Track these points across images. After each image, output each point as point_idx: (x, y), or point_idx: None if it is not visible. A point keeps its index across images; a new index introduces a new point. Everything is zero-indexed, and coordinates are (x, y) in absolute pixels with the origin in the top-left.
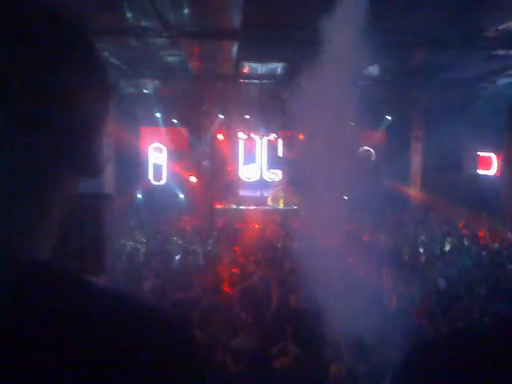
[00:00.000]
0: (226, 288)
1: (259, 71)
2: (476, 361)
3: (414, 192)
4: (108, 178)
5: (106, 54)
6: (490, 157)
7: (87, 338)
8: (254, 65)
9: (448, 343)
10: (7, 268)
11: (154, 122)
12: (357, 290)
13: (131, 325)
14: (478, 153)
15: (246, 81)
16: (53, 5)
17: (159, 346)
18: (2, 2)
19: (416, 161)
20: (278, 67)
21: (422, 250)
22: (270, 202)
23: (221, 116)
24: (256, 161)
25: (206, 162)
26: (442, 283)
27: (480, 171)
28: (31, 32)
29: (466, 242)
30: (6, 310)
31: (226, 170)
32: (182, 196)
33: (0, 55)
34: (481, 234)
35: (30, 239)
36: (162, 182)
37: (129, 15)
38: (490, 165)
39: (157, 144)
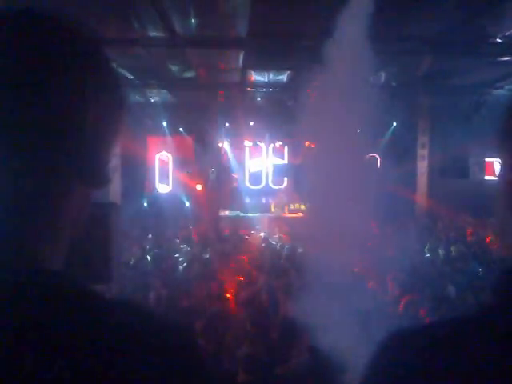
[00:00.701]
0: (231, 296)
1: (265, 79)
2: (452, 350)
3: (420, 198)
4: (114, 187)
5: (115, 67)
6: (497, 163)
7: (95, 347)
8: (259, 73)
9: (424, 333)
10: (20, 276)
11: (160, 131)
12: (362, 297)
13: (138, 333)
14: (485, 159)
15: (252, 89)
16: (66, 17)
17: (165, 353)
18: (18, 16)
19: (422, 167)
20: (284, 75)
21: (428, 256)
22: (272, 209)
23: (227, 124)
24: (262, 168)
25: (212, 170)
26: (451, 290)
27: (487, 177)
28: (45, 44)
29: (473, 249)
30: (18, 316)
31: (231, 177)
32: (187, 204)
33: (14, 66)
34: (488, 239)
35: (42, 248)
36: (168, 190)
37: (136, 25)
38: (497, 171)
39: (163, 152)
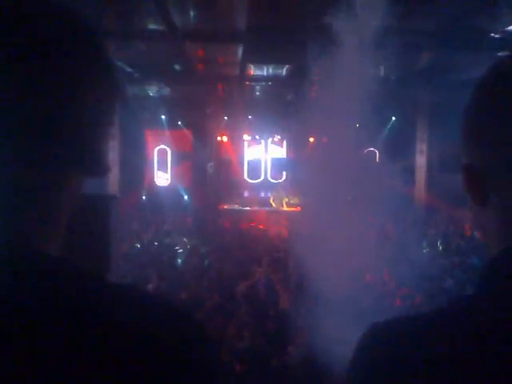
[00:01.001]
0: (229, 288)
1: (264, 73)
2: (434, 341)
3: (419, 193)
4: (113, 180)
5: (111, 56)
6: None
7: (102, 330)
8: (258, 67)
9: (407, 324)
10: (20, 261)
11: (159, 125)
12: (360, 289)
13: (146, 316)
14: None
15: (251, 83)
16: (62, 5)
17: (175, 337)
18: (14, 3)
19: (421, 161)
20: (283, 69)
21: (427, 251)
22: (272, 203)
23: (225, 118)
24: (260, 162)
25: (210, 165)
26: (449, 284)
27: None
28: (40, 32)
29: (471, 243)
30: (19, 302)
31: (230, 171)
32: (186, 197)
33: (9, 57)
34: None
35: (40, 234)
36: (167, 183)
37: (135, 18)
38: None
39: (162, 146)
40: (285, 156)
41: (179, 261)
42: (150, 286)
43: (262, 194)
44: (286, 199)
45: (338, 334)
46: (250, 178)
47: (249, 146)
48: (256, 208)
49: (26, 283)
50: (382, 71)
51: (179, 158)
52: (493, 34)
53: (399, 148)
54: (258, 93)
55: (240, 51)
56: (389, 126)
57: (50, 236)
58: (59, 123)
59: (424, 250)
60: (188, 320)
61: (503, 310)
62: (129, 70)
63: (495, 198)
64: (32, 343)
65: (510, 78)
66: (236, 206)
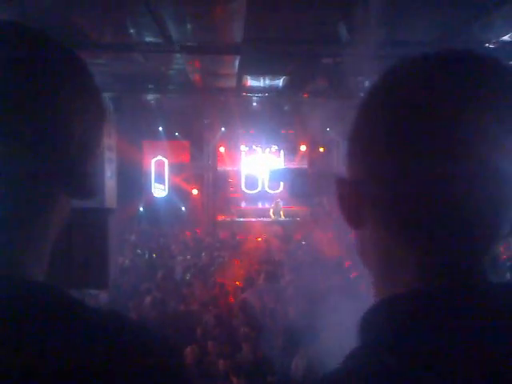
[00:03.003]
0: (227, 301)
1: (261, 84)
2: None
3: None
4: (110, 192)
5: (108, 68)
6: None
7: (69, 360)
8: (255, 78)
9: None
10: (4, 289)
11: (156, 136)
12: (357, 299)
13: (113, 348)
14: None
15: (248, 94)
16: (47, 32)
17: (149, 374)
18: (9, 27)
19: None
20: (280, 80)
21: None
22: (271, 215)
23: (223, 129)
24: (258, 173)
25: (208, 175)
26: None
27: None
28: (26, 58)
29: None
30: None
31: (227, 182)
32: (183, 209)
33: (6, 79)
34: None
35: (23, 258)
36: (164, 194)
37: (132, 30)
38: None
39: (159, 157)
40: (282, 167)
41: (177, 273)
42: (148, 299)
43: (260, 205)
44: (284, 210)
45: (337, 348)
46: (248, 189)
47: (246, 156)
48: (253, 219)
49: (9, 309)
50: None
51: (176, 169)
52: (487, 45)
53: None
54: (255, 104)
55: (237, 63)
56: None
57: (33, 257)
58: (46, 146)
59: None
60: (171, 360)
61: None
62: (126, 81)
63: (373, 220)
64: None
65: (396, 89)
66: (233, 217)
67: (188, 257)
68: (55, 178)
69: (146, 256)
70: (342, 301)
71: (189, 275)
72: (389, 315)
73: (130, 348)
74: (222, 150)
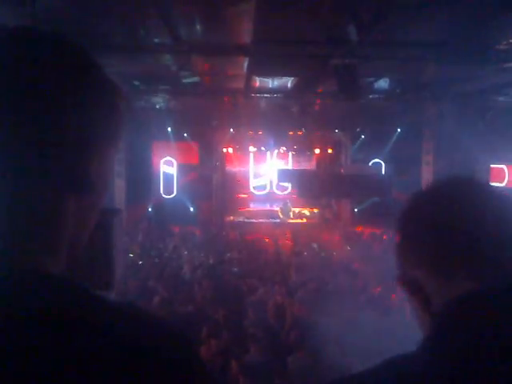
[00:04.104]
0: (236, 301)
1: (269, 86)
2: None
3: None
4: (119, 192)
5: (118, 69)
6: (502, 169)
7: (93, 352)
8: (264, 79)
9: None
10: (19, 279)
11: (165, 137)
12: (370, 303)
13: (138, 339)
14: (491, 165)
15: (257, 95)
16: (62, 32)
17: (167, 366)
18: (18, 31)
19: (427, 173)
20: (289, 81)
21: None
22: (280, 215)
23: (231, 130)
24: (266, 174)
25: (216, 176)
26: None
27: (493, 184)
28: (41, 57)
29: None
30: (19, 321)
31: (236, 183)
32: (192, 209)
33: (11, 80)
34: None
35: (40, 258)
36: (173, 195)
37: (141, 31)
38: (502, 177)
39: (168, 158)
40: (290, 168)
41: (185, 273)
42: (156, 299)
43: (268, 206)
44: (292, 211)
45: (345, 351)
46: (256, 190)
47: (254, 157)
48: (262, 220)
49: (23, 301)
50: (387, 84)
51: (185, 169)
52: (497, 46)
53: (405, 160)
54: (263, 105)
55: (246, 64)
56: (394, 138)
57: (49, 252)
58: (51, 144)
59: None
60: (181, 341)
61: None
62: (135, 82)
63: (435, 300)
64: (28, 365)
65: (426, 207)
66: (242, 218)
67: (196, 257)
68: (61, 176)
69: (155, 256)
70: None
71: (197, 276)
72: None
73: (150, 341)
74: (230, 151)
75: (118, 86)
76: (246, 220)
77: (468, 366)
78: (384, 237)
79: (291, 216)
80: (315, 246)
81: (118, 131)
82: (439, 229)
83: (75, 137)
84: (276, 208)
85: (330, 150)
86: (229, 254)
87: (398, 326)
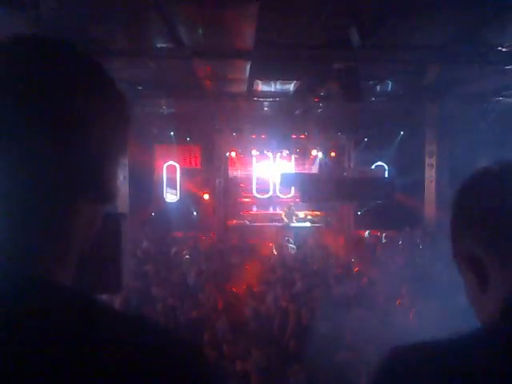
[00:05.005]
0: (239, 307)
1: (272, 89)
2: (453, 368)
3: (428, 207)
4: (122, 196)
5: (121, 74)
6: None
7: (97, 362)
8: (266, 83)
9: (427, 349)
10: (28, 289)
11: (168, 141)
12: (373, 307)
13: (144, 348)
14: None
15: (259, 99)
16: (72, 43)
17: (172, 371)
18: (24, 41)
19: (430, 175)
20: (291, 85)
21: (438, 265)
22: (284, 218)
23: (234, 134)
24: (269, 177)
25: (219, 180)
26: (462, 300)
27: None
28: (51, 66)
29: None
30: (18, 329)
31: (239, 186)
32: (195, 213)
33: (17, 85)
34: None
35: (50, 263)
36: (176, 199)
37: (144, 37)
38: None
39: (171, 162)
40: (293, 171)
41: (188, 279)
42: (160, 305)
43: (271, 210)
44: (296, 215)
45: (349, 356)
46: (259, 194)
47: (257, 161)
48: (265, 224)
49: (31, 312)
50: (390, 86)
51: (188, 173)
52: (500, 48)
53: (408, 162)
54: (266, 108)
55: (248, 68)
56: (397, 141)
57: (61, 262)
58: (66, 153)
59: (435, 265)
60: (193, 354)
61: None
62: (138, 87)
63: (494, 284)
64: (28, 373)
65: (491, 184)
66: (244, 222)
67: (200, 262)
68: (73, 182)
69: (158, 261)
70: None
71: (200, 281)
72: None
73: (155, 349)
74: (233, 154)
75: (125, 93)
76: (248, 224)
77: None
78: (386, 240)
79: (294, 220)
80: (319, 249)
81: (126, 137)
82: (503, 207)
83: (91, 145)
84: (280, 211)
85: (332, 154)
86: (232, 259)
87: (404, 331)
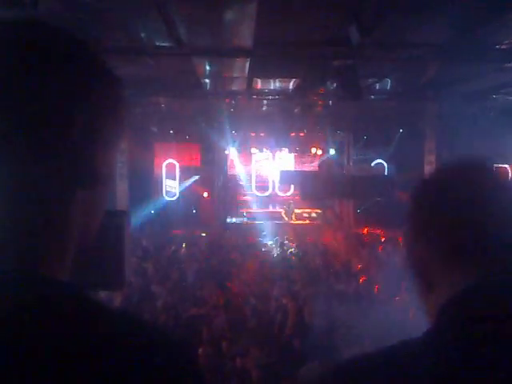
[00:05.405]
0: (238, 304)
1: (271, 87)
2: (395, 379)
3: None
4: (121, 194)
5: (119, 71)
6: (505, 168)
7: (92, 361)
8: (265, 81)
9: (369, 361)
10: (19, 286)
11: (167, 139)
12: (372, 305)
13: (137, 348)
14: (494, 164)
15: (259, 97)
16: (64, 26)
17: (164, 371)
18: (18, 25)
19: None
20: (290, 83)
21: None
22: (284, 216)
23: (233, 132)
24: (268, 175)
25: (218, 178)
26: None
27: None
28: (47, 52)
29: None
30: (15, 328)
31: (238, 184)
32: (194, 211)
33: (15, 73)
34: None
35: (45, 257)
36: (175, 197)
37: (142, 34)
38: (506, 176)
39: (170, 160)
40: (292, 169)
41: (188, 276)
42: (159, 303)
43: (270, 208)
44: (295, 212)
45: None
46: (258, 192)
47: (256, 159)
48: (264, 221)
49: (27, 308)
50: (389, 83)
51: (188, 171)
52: (498, 46)
53: (407, 160)
54: (265, 107)
55: (247, 66)
56: (396, 139)
57: (57, 256)
58: (57, 140)
59: None
60: (185, 356)
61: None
62: (137, 84)
63: (438, 285)
64: (24, 372)
65: (443, 189)
66: (244, 220)
67: (199, 259)
68: (68, 171)
69: (157, 259)
70: (356, 305)
71: (199, 279)
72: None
73: (147, 349)
74: (232, 152)
75: (120, 78)
76: (248, 222)
77: (468, 362)
78: (385, 238)
79: (293, 217)
80: (318, 247)
81: (122, 122)
82: (449, 213)
83: (82, 129)
84: (279, 209)
85: (332, 151)
86: (231, 257)
87: (403, 328)
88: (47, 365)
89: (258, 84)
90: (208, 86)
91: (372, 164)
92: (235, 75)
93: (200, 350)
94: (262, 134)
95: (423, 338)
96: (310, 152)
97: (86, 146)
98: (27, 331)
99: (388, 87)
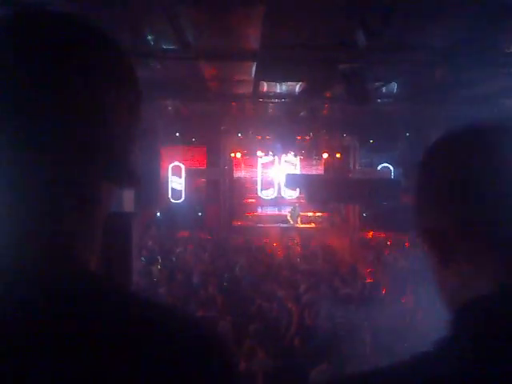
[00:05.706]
0: (244, 307)
1: (277, 90)
2: None
3: None
4: (127, 197)
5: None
6: None
7: (132, 350)
8: (272, 84)
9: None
10: (64, 277)
11: (173, 142)
12: (378, 308)
13: (167, 339)
14: None
15: (265, 100)
16: (80, 17)
17: (199, 359)
18: (39, 20)
19: None
20: (296, 86)
21: None
22: (289, 219)
23: (239, 135)
24: (274, 178)
25: (224, 181)
26: None
27: None
28: (63, 44)
29: None
30: (56, 315)
31: (244, 187)
32: (200, 214)
33: (36, 71)
34: None
35: (79, 251)
36: (181, 200)
37: (149, 37)
38: None
39: (176, 163)
40: (298, 172)
41: (194, 279)
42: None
43: (276, 211)
44: (301, 216)
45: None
46: (264, 195)
47: (262, 162)
48: (270, 225)
49: (69, 300)
50: (395, 87)
51: (193, 174)
52: (506, 50)
53: (414, 163)
54: (271, 110)
55: (253, 69)
56: (403, 142)
57: (88, 250)
58: (92, 139)
59: None
60: (219, 344)
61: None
62: (143, 87)
63: (457, 260)
64: (62, 358)
65: (461, 151)
66: (249, 223)
67: (205, 262)
68: (97, 166)
69: (163, 261)
70: (361, 308)
71: (205, 281)
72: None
73: (187, 339)
74: (238, 155)
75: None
76: (253, 225)
77: (489, 376)
78: (391, 242)
79: (299, 221)
80: (324, 250)
81: (141, 121)
82: (466, 180)
83: (117, 128)
84: (285, 212)
85: (338, 155)
86: (237, 260)
87: (409, 332)
88: (97, 354)
89: (264, 87)
90: (214, 89)
91: (378, 168)
92: (241, 78)
93: None
94: (267, 138)
95: (438, 349)
96: (316, 155)
97: (124, 149)
98: (83, 323)
99: (394, 91)
